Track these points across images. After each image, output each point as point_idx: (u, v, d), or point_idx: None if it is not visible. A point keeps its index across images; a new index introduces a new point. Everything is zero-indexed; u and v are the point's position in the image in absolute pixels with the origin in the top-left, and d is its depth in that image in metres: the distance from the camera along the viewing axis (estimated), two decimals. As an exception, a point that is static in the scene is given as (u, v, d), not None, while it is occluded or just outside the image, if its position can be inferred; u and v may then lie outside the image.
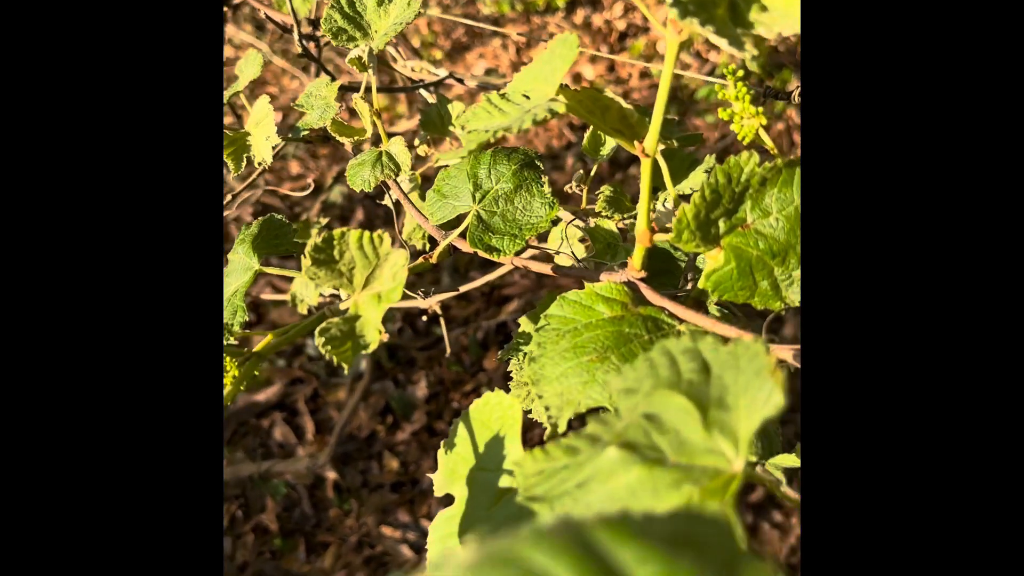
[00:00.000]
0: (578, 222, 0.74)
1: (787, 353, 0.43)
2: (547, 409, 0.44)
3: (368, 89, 0.64)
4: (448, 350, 0.84)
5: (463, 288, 0.68)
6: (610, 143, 0.82)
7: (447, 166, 0.61)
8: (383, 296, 0.47)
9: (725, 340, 0.34)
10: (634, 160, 1.88)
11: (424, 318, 1.75)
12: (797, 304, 0.47)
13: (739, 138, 0.43)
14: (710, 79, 0.78)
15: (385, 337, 0.46)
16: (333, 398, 1.83)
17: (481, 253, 0.52)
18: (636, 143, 0.47)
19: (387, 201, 0.69)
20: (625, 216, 0.84)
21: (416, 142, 0.83)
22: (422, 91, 0.85)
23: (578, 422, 0.46)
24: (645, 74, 2.27)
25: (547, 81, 0.47)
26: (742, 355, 0.32)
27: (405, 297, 0.68)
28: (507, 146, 0.58)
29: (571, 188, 0.90)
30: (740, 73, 0.44)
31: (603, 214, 0.83)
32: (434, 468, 0.50)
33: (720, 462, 0.31)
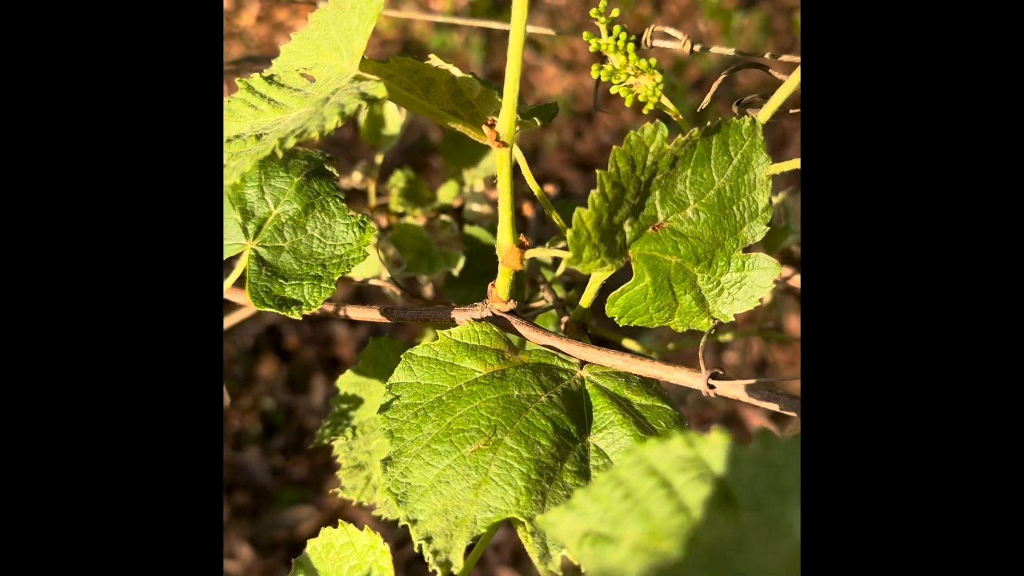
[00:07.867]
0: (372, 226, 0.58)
1: (742, 396, 0.32)
2: (428, 541, 0.29)
3: None
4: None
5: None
6: (394, 123, 0.67)
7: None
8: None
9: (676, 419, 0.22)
10: (437, 148, 1.73)
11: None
12: (730, 318, 0.36)
13: (630, 105, 0.31)
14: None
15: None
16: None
17: (272, 311, 0.36)
18: (485, 128, 0.33)
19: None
20: (427, 209, 0.70)
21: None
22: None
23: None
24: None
25: (339, 50, 0.31)
26: (777, 463, 0.20)
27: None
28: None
29: (352, 182, 0.75)
30: (615, 13, 0.31)
31: (403, 212, 0.68)
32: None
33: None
